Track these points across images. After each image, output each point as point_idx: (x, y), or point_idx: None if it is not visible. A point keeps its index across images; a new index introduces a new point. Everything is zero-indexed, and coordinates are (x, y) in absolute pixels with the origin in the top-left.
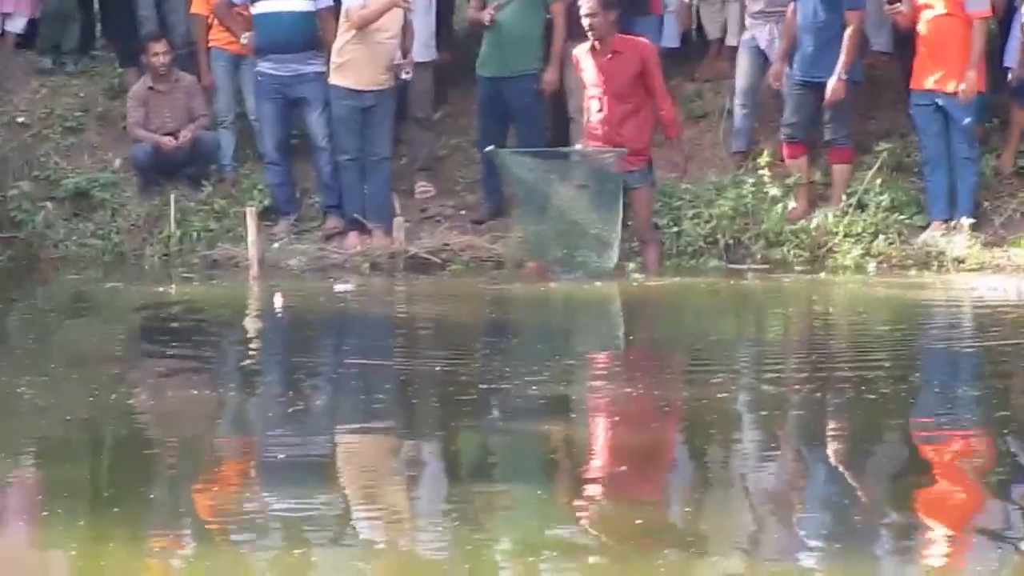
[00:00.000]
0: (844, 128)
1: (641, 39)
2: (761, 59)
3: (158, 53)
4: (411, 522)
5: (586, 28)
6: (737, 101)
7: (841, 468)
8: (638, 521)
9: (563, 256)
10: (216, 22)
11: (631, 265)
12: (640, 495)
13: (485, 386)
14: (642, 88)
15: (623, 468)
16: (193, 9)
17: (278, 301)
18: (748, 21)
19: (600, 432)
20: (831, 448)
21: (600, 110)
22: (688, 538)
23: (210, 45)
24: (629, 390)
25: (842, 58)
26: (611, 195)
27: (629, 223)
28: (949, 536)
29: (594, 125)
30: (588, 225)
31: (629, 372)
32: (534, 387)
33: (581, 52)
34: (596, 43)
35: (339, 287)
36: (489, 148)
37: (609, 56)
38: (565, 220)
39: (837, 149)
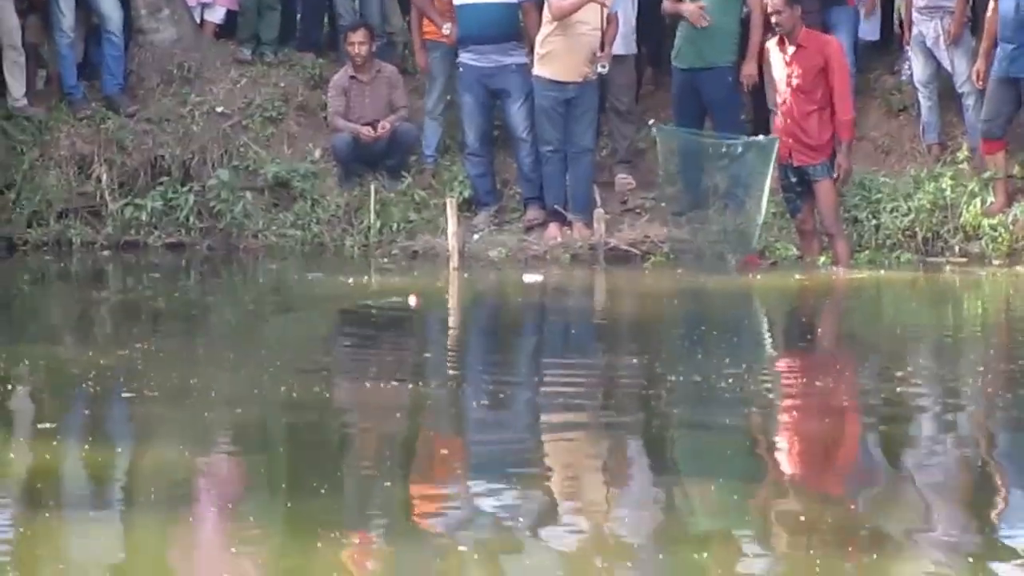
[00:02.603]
0: None
1: (829, 36)
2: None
3: (354, 43)
4: (603, 514)
5: (774, 24)
6: (920, 95)
7: None
8: (802, 518)
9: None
10: None
11: (822, 259)
12: (822, 490)
13: (675, 378)
14: (827, 85)
15: (807, 464)
16: None
17: (412, 301)
18: (915, 16)
19: (786, 427)
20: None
21: (784, 103)
22: (864, 535)
23: (426, 36)
24: (818, 384)
25: None
26: (758, 181)
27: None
28: None
29: (779, 118)
30: (734, 212)
31: (818, 367)
32: (729, 379)
33: (771, 45)
34: (784, 37)
35: (528, 278)
36: (652, 122)
37: (794, 50)
38: (711, 204)
39: None
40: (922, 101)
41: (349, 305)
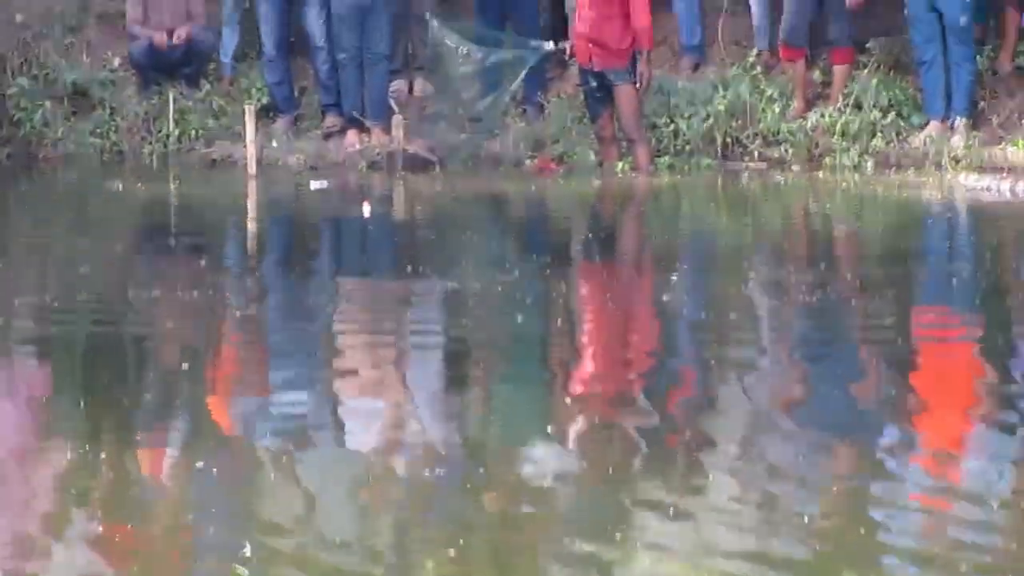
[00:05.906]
0: (846, 28)
1: None
2: None
3: None
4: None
5: None
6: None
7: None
8: (596, 419)
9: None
10: None
11: (620, 164)
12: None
13: (453, 287)
14: None
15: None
16: None
17: (367, 209)
18: None
19: (557, 332)
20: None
21: (583, 7)
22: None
23: None
24: (601, 293)
25: None
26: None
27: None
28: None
29: (578, 23)
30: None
31: (604, 272)
32: (500, 287)
33: None
34: None
35: (315, 184)
36: (428, 15)
37: None
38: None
39: (839, 50)
40: (753, 6)
41: (145, 216)
